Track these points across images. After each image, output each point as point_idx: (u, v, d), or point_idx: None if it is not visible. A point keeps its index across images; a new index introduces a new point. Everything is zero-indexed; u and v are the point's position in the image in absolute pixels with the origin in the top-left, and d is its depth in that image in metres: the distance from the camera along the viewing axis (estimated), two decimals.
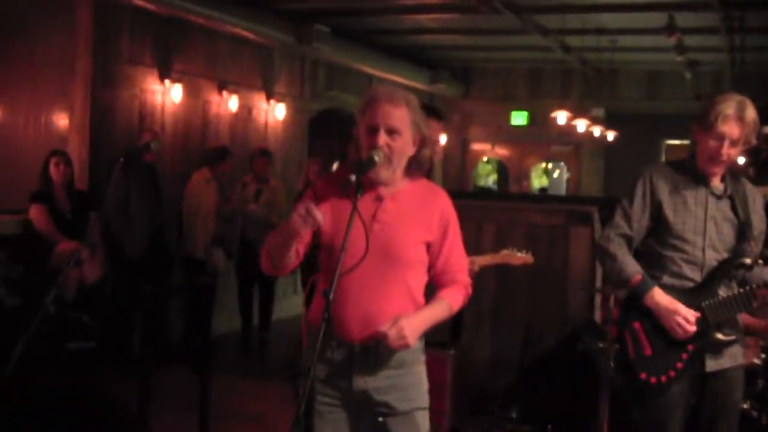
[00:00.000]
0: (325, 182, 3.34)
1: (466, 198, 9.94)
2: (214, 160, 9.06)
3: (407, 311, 3.19)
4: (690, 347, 3.81)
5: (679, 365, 3.80)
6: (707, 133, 3.79)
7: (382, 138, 3.19)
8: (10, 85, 8.55)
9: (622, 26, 11.51)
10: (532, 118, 16.09)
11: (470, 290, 3.43)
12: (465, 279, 3.40)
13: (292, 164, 11.73)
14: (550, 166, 17.83)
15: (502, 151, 17.52)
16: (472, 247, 6.15)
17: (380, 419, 3.25)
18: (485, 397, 6.81)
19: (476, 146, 17.51)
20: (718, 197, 3.90)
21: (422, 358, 3.36)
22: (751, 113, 3.77)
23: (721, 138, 3.76)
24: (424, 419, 3.32)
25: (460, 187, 16.97)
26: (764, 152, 3.66)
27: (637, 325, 3.88)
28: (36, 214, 7.40)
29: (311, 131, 12.41)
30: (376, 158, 3.16)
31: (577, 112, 14.31)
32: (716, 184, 3.91)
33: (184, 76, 9.65)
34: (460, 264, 3.39)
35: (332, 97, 12.95)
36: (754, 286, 3.77)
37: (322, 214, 3.05)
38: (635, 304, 3.87)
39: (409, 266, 3.26)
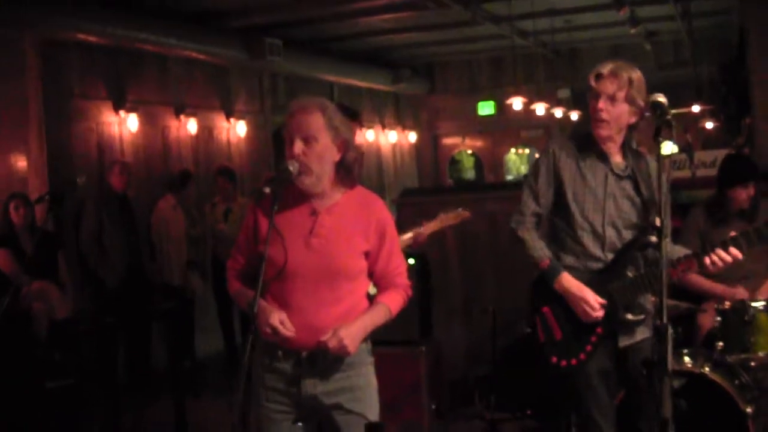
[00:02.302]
0: (269, 197, 3.36)
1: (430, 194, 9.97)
2: (177, 186, 9.08)
3: (350, 319, 3.28)
4: (599, 330, 3.81)
5: (589, 348, 3.81)
6: (589, 98, 3.81)
7: (297, 147, 3.24)
8: None
9: (573, 5, 11.56)
10: (499, 107, 16.10)
11: (410, 292, 3.50)
12: (404, 282, 3.48)
13: (259, 179, 11.72)
14: (521, 152, 17.83)
15: (473, 143, 17.56)
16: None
17: (335, 419, 3.34)
18: (463, 389, 6.83)
19: (447, 141, 17.55)
20: (619, 177, 3.86)
21: (370, 359, 3.44)
22: (628, 72, 3.75)
23: (596, 95, 3.75)
24: (374, 418, 3.38)
25: (437, 183, 17.01)
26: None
27: (546, 309, 3.88)
28: (0, 258, 7.40)
29: (277, 143, 12.42)
30: (291, 168, 3.21)
31: (543, 96, 14.34)
32: (617, 161, 3.88)
33: (139, 105, 9.66)
34: (398, 268, 3.47)
35: None
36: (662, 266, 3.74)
37: (291, 327, 3.19)
38: (544, 288, 3.87)
39: (350, 277, 3.35)
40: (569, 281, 3.80)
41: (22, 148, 8.40)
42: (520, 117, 15.13)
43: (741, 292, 5.14)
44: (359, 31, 12.40)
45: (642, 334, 3.90)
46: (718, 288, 5.27)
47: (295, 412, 3.34)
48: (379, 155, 15.92)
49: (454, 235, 7.39)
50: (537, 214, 3.92)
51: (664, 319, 2.86)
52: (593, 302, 3.77)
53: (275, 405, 3.34)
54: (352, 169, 3.37)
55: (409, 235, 4.91)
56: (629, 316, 3.82)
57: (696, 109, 14.58)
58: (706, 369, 4.61)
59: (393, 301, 3.41)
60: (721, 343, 4.80)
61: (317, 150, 3.24)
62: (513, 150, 17.67)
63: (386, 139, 16.18)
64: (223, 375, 9.18)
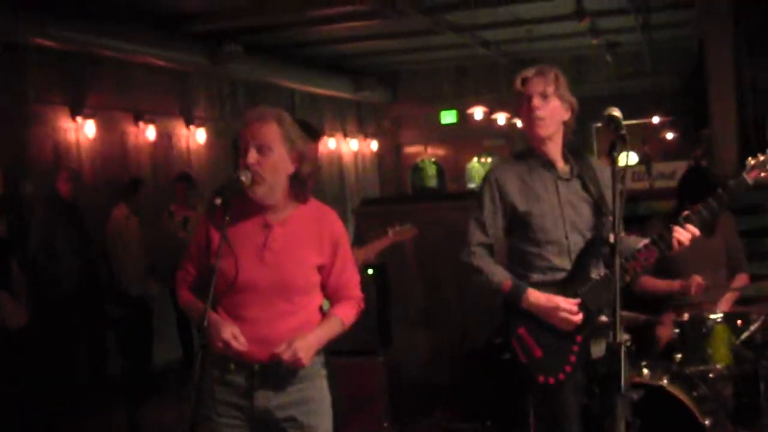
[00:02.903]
0: (217, 211, 3.29)
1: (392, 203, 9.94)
2: (129, 194, 8.96)
3: (304, 332, 3.25)
4: (579, 338, 3.72)
5: (573, 359, 3.70)
6: (521, 106, 3.78)
7: (252, 156, 3.19)
8: None
9: (535, 15, 11.58)
10: (461, 116, 16.13)
11: (362, 304, 3.50)
12: (357, 294, 3.47)
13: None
14: (484, 160, 17.86)
15: (435, 152, 17.56)
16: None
17: None
18: (424, 398, 6.79)
19: (409, 149, 17.54)
20: (567, 180, 3.82)
21: (323, 371, 3.42)
22: (552, 70, 3.77)
23: (528, 98, 3.73)
24: (328, 430, 3.38)
25: (398, 191, 16.99)
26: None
27: (521, 330, 3.75)
28: None
29: (237, 151, 12.30)
30: (243, 178, 3.17)
31: (505, 106, 14.36)
32: (561, 167, 3.83)
33: (97, 111, 9.54)
34: (351, 281, 3.46)
35: None
36: (623, 261, 3.71)
37: (243, 341, 3.15)
38: (514, 309, 3.77)
39: (304, 291, 3.32)
40: (536, 295, 3.71)
41: None
42: (482, 126, 15.18)
43: (698, 281, 5.14)
44: (321, 39, 12.36)
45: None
46: (675, 283, 5.27)
47: (247, 425, 3.30)
48: (341, 163, 15.88)
49: (414, 244, 7.34)
50: (485, 244, 3.82)
51: (618, 337, 2.80)
52: (568, 306, 3.69)
53: (227, 419, 3.29)
54: (307, 182, 3.35)
55: (372, 245, 4.87)
56: (603, 319, 3.76)
57: (656, 120, 14.71)
58: (665, 381, 4.60)
59: (346, 314, 3.40)
60: (679, 355, 4.78)
61: (271, 160, 3.21)
62: (476, 159, 17.69)
63: (348, 147, 16.14)
64: (181, 383, 9.08)
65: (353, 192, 15.76)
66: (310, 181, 3.36)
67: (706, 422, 4.46)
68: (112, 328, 8.68)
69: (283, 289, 3.24)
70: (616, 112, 3.22)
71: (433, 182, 18.09)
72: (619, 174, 3.06)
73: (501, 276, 3.76)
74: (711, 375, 4.75)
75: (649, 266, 3.94)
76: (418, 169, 18.04)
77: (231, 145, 12.17)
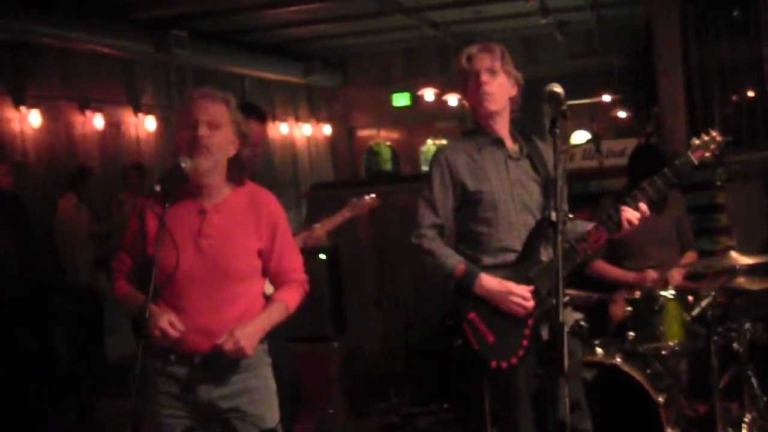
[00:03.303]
0: (156, 199, 3.23)
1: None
2: (77, 182, 8.82)
3: (246, 320, 3.20)
4: (530, 322, 3.67)
5: (525, 342, 3.66)
6: (467, 83, 3.75)
7: (204, 130, 3.15)
8: None
9: None
10: (414, 98, 16.06)
11: (307, 287, 3.45)
12: (300, 277, 3.42)
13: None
14: (438, 142, 17.82)
15: (389, 135, 17.50)
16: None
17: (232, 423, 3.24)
18: (379, 383, 6.76)
19: (362, 133, 17.47)
20: (516, 159, 3.79)
21: (267, 359, 3.37)
22: (497, 46, 3.77)
23: (475, 74, 3.70)
24: (274, 419, 3.33)
25: (352, 175, 16.92)
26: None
27: (472, 315, 3.69)
28: None
29: None
30: (183, 165, 3.11)
31: (456, 87, 14.28)
32: (510, 145, 3.81)
33: (41, 100, 9.37)
34: (293, 263, 3.41)
35: None
36: (573, 241, 3.69)
37: (180, 328, 3.07)
38: (465, 295, 3.71)
39: (243, 278, 3.27)
40: (489, 281, 3.66)
41: None
42: (435, 108, 15.11)
43: (650, 275, 5.15)
44: (269, 23, 12.23)
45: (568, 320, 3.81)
46: (629, 275, 5.29)
47: (190, 417, 3.24)
48: (294, 149, 15.77)
49: (367, 227, 7.33)
50: (437, 225, 3.77)
51: (561, 317, 2.76)
52: (521, 292, 3.65)
53: (169, 410, 3.22)
54: (245, 166, 3.34)
55: (299, 236, 4.73)
56: (554, 301, 3.72)
57: (606, 98, 14.75)
58: (618, 359, 4.61)
59: (290, 298, 3.36)
60: (632, 333, 4.78)
61: (219, 138, 3.19)
62: (430, 141, 17.64)
63: (300, 132, 16.02)
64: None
65: (307, 177, 15.66)
66: (249, 166, 3.37)
67: (660, 399, 4.49)
68: (61, 322, 8.52)
69: (221, 276, 3.18)
70: (557, 88, 3.20)
71: (388, 165, 18.05)
72: (561, 151, 3.03)
73: (453, 260, 3.71)
74: (664, 352, 4.76)
75: (600, 247, 3.90)
76: (373, 153, 17.97)
77: None
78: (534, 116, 4.03)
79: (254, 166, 4.40)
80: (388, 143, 17.82)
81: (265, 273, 3.35)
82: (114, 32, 9.83)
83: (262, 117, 4.65)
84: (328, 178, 16.11)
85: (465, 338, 3.71)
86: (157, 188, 3.04)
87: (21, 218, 8.33)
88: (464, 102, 3.86)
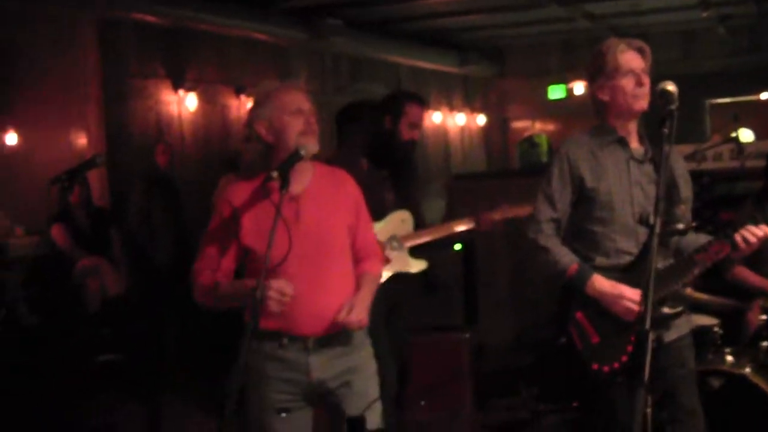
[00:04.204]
0: (240, 187, 3.32)
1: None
2: (235, 165, 9.10)
3: (350, 294, 3.30)
4: (638, 327, 3.60)
5: (630, 348, 3.55)
6: (612, 79, 3.64)
7: (314, 118, 3.33)
8: (25, 110, 8.67)
9: None
10: (569, 91, 15.82)
11: (383, 258, 3.77)
12: (377, 250, 3.59)
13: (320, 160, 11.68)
14: None
15: (544, 127, 17.28)
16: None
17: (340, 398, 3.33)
18: (507, 379, 6.73)
19: (517, 124, 17.31)
20: (640, 161, 3.68)
21: (368, 341, 3.46)
22: (647, 47, 3.67)
23: (631, 71, 3.60)
24: (375, 393, 3.40)
25: (505, 167, 16.79)
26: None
27: (579, 315, 3.63)
28: (57, 233, 7.54)
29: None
30: (302, 153, 3.17)
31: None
32: (635, 146, 3.70)
33: (198, 84, 9.71)
34: (372, 237, 3.58)
35: (358, 90, 12.87)
36: (692, 252, 3.57)
37: (290, 287, 3.10)
38: (574, 294, 3.64)
39: (342, 252, 3.36)
40: (602, 282, 3.58)
41: (81, 126, 8.52)
42: (590, 101, 14.84)
43: None
44: (423, 13, 12.25)
45: (676, 331, 3.71)
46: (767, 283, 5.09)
47: (302, 398, 3.31)
48: (446, 138, 15.78)
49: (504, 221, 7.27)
50: (554, 219, 3.69)
51: (647, 324, 2.68)
52: (632, 296, 3.54)
53: (278, 394, 3.28)
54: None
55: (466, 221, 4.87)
56: (666, 310, 3.61)
57: (765, 96, 14.13)
58: (747, 369, 4.44)
59: (377, 270, 3.53)
60: (766, 343, 4.59)
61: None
62: None
63: (454, 121, 16.01)
64: None
65: (458, 166, 15.63)
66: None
67: None
68: None
69: (324, 254, 3.26)
70: (671, 87, 3.09)
71: (545, 157, 17.82)
72: (668, 152, 2.95)
73: (567, 259, 3.63)
74: None
75: (721, 260, 3.74)
76: (533, 144, 17.72)
77: (334, 119, 12.19)
78: (695, 109, 3.88)
79: (414, 149, 4.78)
80: (546, 135, 17.58)
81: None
82: (270, 20, 10.07)
83: (422, 101, 4.95)
84: (480, 169, 16.05)
85: (569, 337, 3.67)
86: (275, 175, 3.09)
87: (174, 197, 8.70)
88: (600, 94, 3.75)
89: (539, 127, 17.23)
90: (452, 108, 15.95)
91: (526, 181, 8.40)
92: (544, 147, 18.05)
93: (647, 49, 3.68)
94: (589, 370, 3.62)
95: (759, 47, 13.83)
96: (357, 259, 3.44)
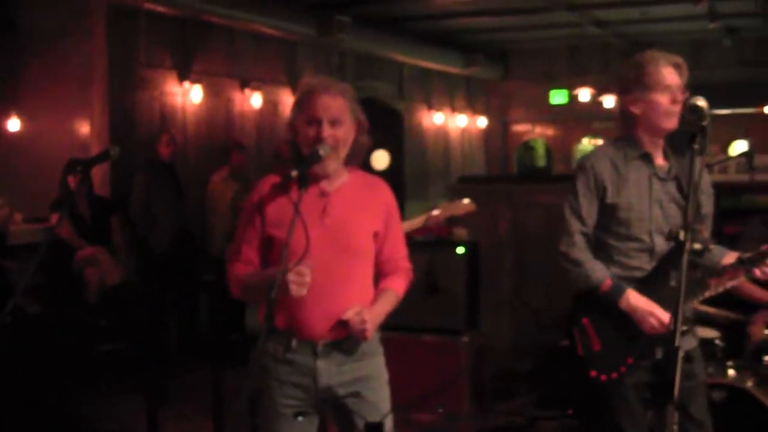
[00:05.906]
0: (271, 183, 3.32)
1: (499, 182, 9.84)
2: (230, 157, 9.12)
3: (366, 302, 3.26)
4: (641, 341, 3.61)
5: (630, 360, 3.59)
6: (648, 92, 3.61)
7: (327, 130, 3.20)
8: (30, 96, 8.63)
9: None
10: (571, 96, 15.81)
11: (411, 275, 3.50)
12: (406, 265, 3.49)
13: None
14: (594, 142, 17.47)
15: (544, 131, 17.29)
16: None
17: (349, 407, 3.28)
18: (506, 384, 6.73)
19: (517, 128, 17.31)
20: (663, 179, 3.68)
21: (381, 349, 3.41)
22: (679, 59, 3.64)
23: (667, 88, 3.58)
24: (386, 407, 3.35)
25: (504, 171, 16.81)
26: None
27: (585, 320, 3.66)
28: (57, 221, 7.51)
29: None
30: (322, 152, 3.16)
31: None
32: (660, 163, 3.70)
33: (204, 76, 9.69)
34: (402, 251, 3.48)
35: (362, 87, 12.85)
36: (706, 274, 3.56)
37: (309, 270, 3.06)
38: (586, 299, 3.66)
39: (363, 257, 3.32)
40: (637, 299, 3.59)
41: (86, 113, 8.49)
42: (592, 107, 14.85)
43: None
44: (431, 12, 12.25)
45: (687, 344, 3.71)
46: None
47: (310, 404, 3.29)
48: (447, 139, 15.77)
49: (509, 225, 7.27)
50: (583, 233, 3.71)
51: (677, 342, 2.67)
52: (663, 316, 3.54)
53: (286, 399, 3.27)
54: (361, 153, 3.37)
55: (421, 218, 4.73)
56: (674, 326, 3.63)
57: None
58: (749, 383, 4.45)
59: (400, 287, 3.42)
60: None
61: (342, 133, 3.24)
62: (587, 140, 17.31)
63: (455, 123, 16.00)
64: None
65: (458, 169, 15.63)
66: (363, 151, 3.37)
67: None
68: (204, 291, 8.81)
69: (342, 252, 3.23)
70: (701, 102, 3.08)
71: (542, 162, 17.84)
72: (697, 168, 2.92)
73: (601, 273, 3.64)
74: None
75: (733, 285, 3.75)
76: (528, 148, 17.76)
77: None
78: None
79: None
80: (543, 140, 17.59)
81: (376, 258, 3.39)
82: (278, 14, 10.06)
83: None
84: (479, 171, 16.05)
85: (572, 341, 3.69)
86: (294, 173, 3.08)
87: (176, 188, 8.69)
88: (632, 107, 3.71)
89: (539, 132, 17.25)
90: (454, 109, 15.94)
91: (529, 186, 8.45)
92: (541, 151, 18.13)
93: (684, 66, 3.64)
94: (587, 376, 3.64)
95: (765, 61, 13.84)
96: (381, 273, 3.40)
